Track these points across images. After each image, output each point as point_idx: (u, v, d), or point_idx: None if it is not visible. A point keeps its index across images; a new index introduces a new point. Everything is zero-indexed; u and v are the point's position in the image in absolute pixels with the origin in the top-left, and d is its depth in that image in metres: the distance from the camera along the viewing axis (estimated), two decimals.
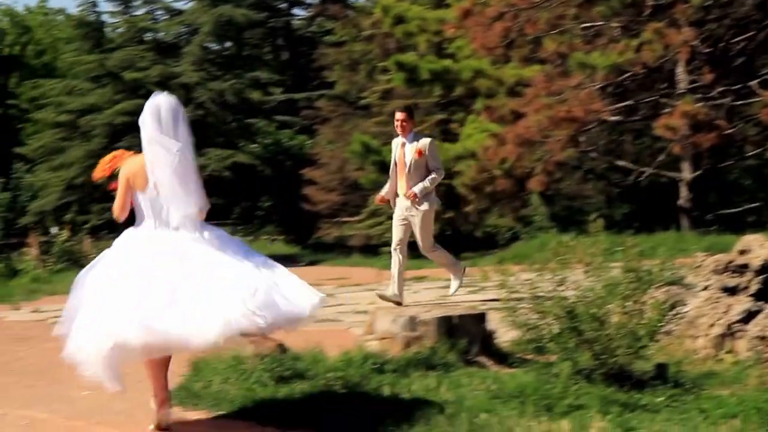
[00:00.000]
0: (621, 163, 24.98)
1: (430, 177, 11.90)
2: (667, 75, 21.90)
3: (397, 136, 12.22)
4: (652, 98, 22.11)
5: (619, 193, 29.14)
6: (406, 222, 11.73)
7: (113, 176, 7.26)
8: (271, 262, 6.85)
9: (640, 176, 23.71)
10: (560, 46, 20.68)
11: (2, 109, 40.75)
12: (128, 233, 6.98)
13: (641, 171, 23.39)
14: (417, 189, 11.79)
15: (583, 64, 20.16)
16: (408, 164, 11.91)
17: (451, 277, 12.31)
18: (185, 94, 33.84)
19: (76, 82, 33.47)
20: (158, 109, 6.85)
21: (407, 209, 11.84)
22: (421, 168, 11.91)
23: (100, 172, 7.52)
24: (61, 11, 60.78)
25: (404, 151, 12.02)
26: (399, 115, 12.12)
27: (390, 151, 12.40)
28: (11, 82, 51.35)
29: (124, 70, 32.55)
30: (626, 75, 21.32)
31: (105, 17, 39.00)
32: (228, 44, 40.45)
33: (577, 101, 20.01)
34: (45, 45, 65.27)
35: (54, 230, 30.47)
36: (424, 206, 11.86)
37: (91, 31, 35.34)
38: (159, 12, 38.31)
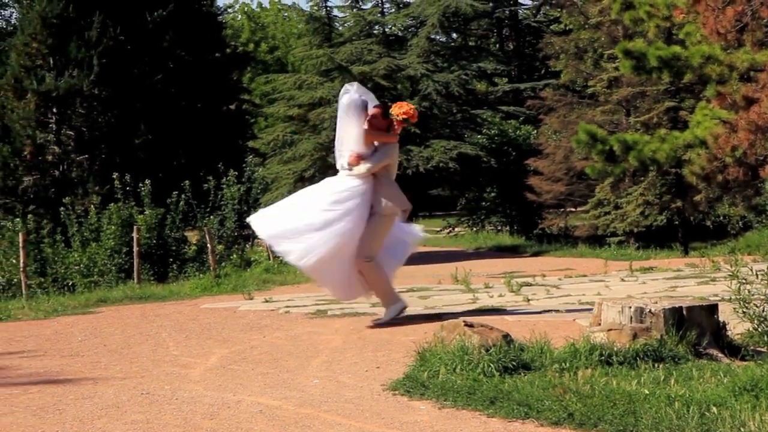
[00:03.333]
0: None
1: None
2: None
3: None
4: None
5: None
6: None
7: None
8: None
9: None
10: None
11: (236, 104, 42.07)
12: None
13: None
14: None
15: None
16: None
17: None
18: (411, 86, 34.14)
19: (306, 76, 34.13)
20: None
21: None
22: None
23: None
24: (293, 7, 62.51)
25: None
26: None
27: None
28: (245, 78, 53.04)
29: (353, 63, 33.06)
30: None
31: (335, 12, 39.96)
32: (454, 35, 40.62)
33: None
34: (277, 41, 67.29)
35: None
36: None
37: (321, 25, 36.05)
38: (387, 5, 38.71)
